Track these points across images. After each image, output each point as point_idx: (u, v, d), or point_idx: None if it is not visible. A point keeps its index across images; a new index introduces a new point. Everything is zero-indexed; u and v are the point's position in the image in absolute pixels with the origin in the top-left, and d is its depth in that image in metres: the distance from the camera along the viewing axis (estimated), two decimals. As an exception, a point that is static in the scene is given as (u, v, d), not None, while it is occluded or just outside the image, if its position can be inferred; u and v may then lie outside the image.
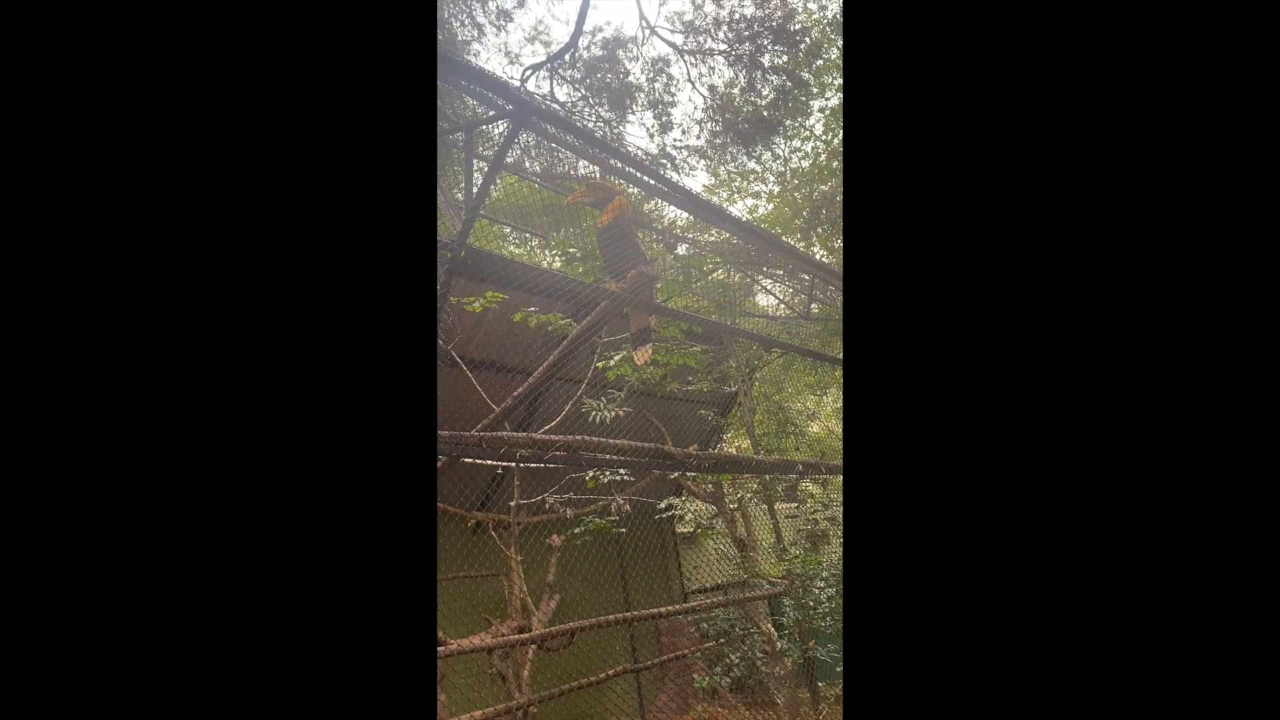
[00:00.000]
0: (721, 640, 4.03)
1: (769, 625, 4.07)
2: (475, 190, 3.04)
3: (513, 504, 3.95)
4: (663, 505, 4.06)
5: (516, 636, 3.53)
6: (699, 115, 6.15)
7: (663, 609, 3.69)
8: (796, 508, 4.69)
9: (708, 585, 5.37)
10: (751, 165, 5.71)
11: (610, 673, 3.82)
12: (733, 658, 3.89)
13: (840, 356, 4.33)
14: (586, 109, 5.95)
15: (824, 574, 3.99)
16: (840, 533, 4.29)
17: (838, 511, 4.25)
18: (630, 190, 4.10)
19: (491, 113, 2.66)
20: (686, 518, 4.05)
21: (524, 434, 3.42)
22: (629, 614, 3.70)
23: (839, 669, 3.95)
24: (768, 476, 4.10)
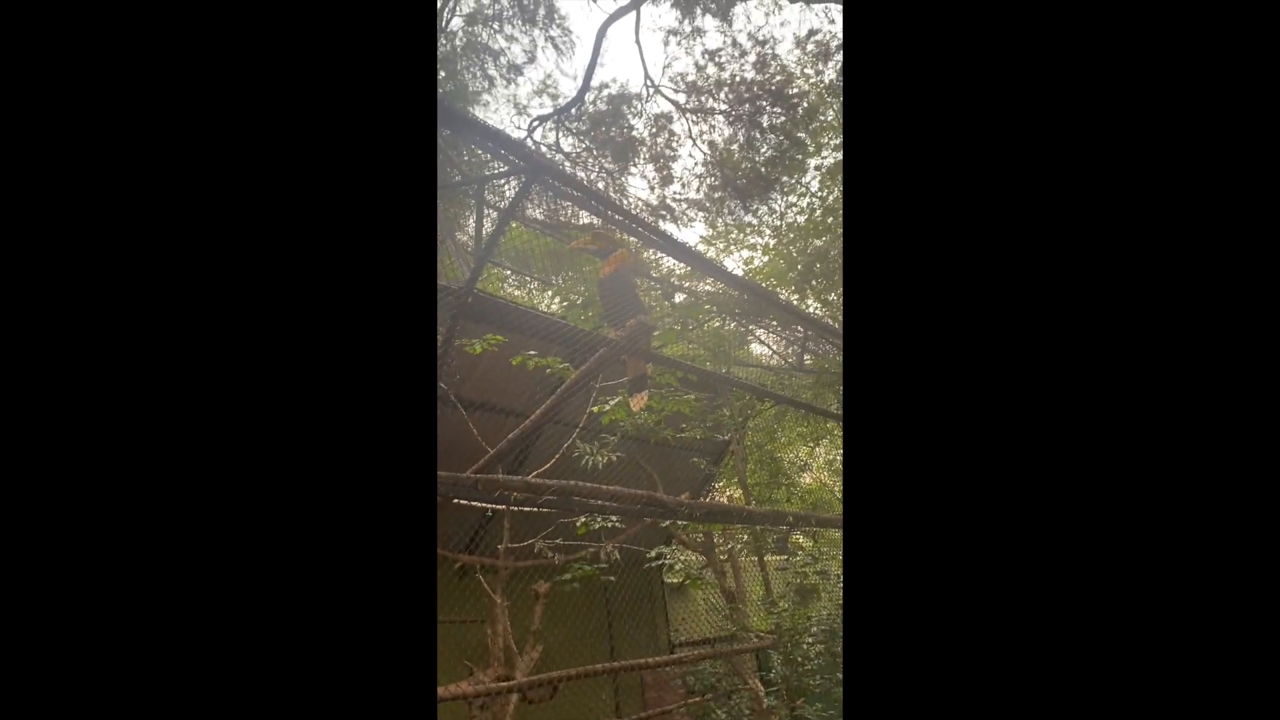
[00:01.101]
0: (709, 696, 4.03)
1: (756, 682, 4.08)
2: (485, 239, 3.23)
3: (501, 548, 3.99)
4: (653, 554, 4.12)
5: (499, 685, 3.53)
6: (699, 170, 6.55)
7: (649, 660, 3.70)
8: (787, 560, 4.74)
9: (695, 638, 5.36)
10: (749, 219, 6.05)
11: (593, 727, 3.79)
12: (719, 714, 3.89)
13: (834, 409, 4.49)
14: (590, 160, 6.30)
15: (813, 629, 4.04)
16: (829, 587, 4.35)
17: (828, 565, 4.32)
18: (630, 240, 4.34)
19: (504, 168, 2.87)
20: (676, 567, 4.12)
21: (519, 477, 3.51)
22: (614, 664, 3.71)
23: (827, 729, 3.96)
24: (759, 528, 4.18)
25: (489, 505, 4.10)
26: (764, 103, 5.82)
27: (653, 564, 4.13)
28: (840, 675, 3.84)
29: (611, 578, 3.99)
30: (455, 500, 3.98)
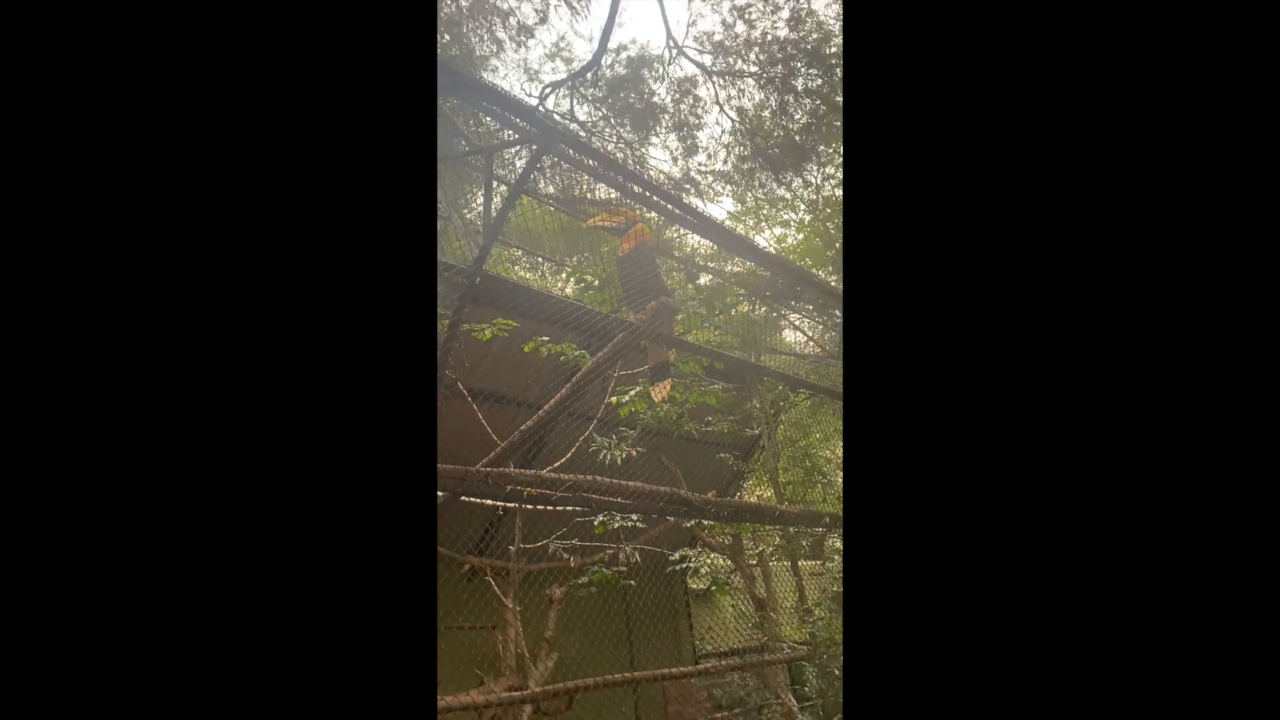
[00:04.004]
0: (736, 711, 3.96)
1: (789, 696, 4.00)
2: (494, 214, 3.15)
3: (513, 549, 3.93)
4: (675, 556, 4.04)
5: (511, 694, 3.49)
6: (726, 139, 6.40)
7: (671, 670, 3.64)
8: (822, 565, 4.65)
9: (722, 649, 5.31)
10: (781, 192, 5.88)
11: (612, 742, 3.74)
12: (748, 731, 3.82)
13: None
14: (608, 129, 6.19)
15: (851, 641, 3.92)
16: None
17: (868, 571, 4.19)
18: (651, 216, 4.19)
19: (513, 135, 2.78)
20: (702, 572, 4.04)
21: (530, 471, 3.43)
22: (635, 674, 3.66)
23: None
24: (791, 529, 4.09)
25: (499, 503, 4.07)
26: (798, 64, 5.64)
27: (675, 567, 4.06)
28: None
29: (631, 582, 3.94)
30: (463, 497, 3.96)
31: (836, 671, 3.90)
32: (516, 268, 5.11)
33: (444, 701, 3.15)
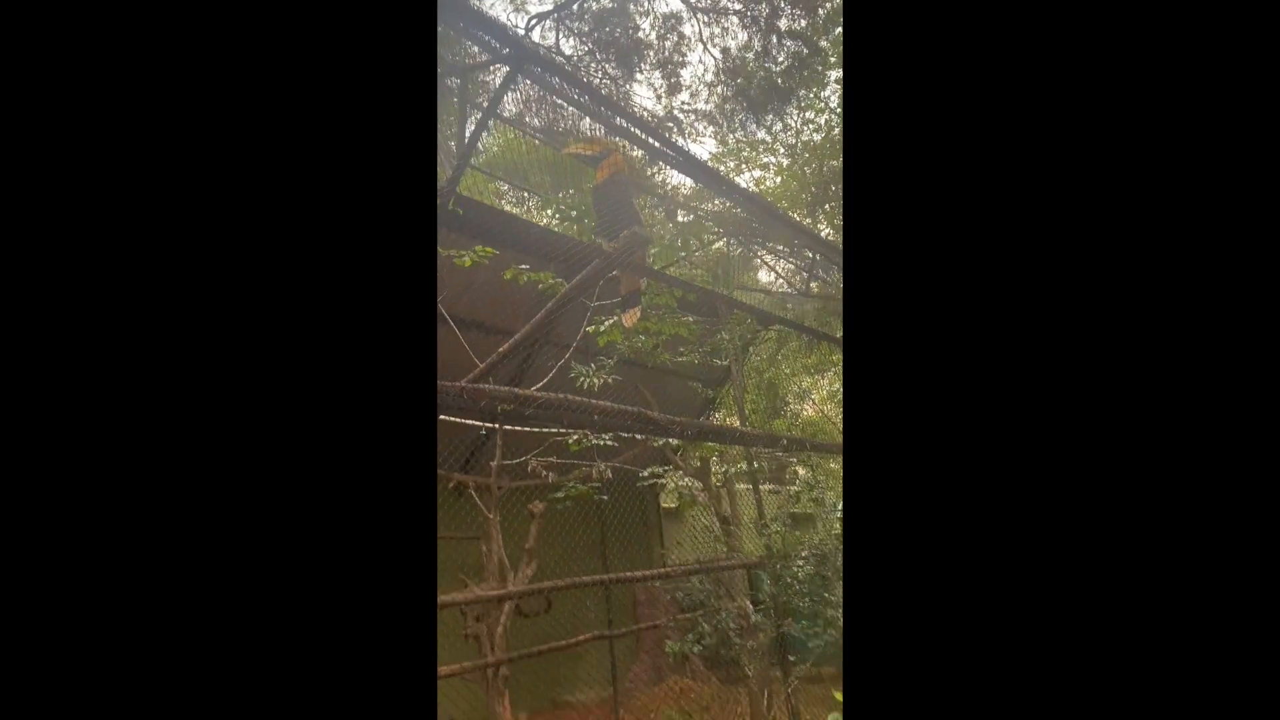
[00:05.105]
0: (698, 612, 4.19)
1: (744, 600, 4.22)
2: (468, 138, 3.10)
3: (494, 464, 4.05)
4: (645, 473, 4.18)
5: (493, 593, 3.66)
6: (709, 78, 6.21)
7: (638, 573, 3.82)
8: (780, 486, 4.80)
9: (689, 561, 5.55)
10: (761, 135, 5.76)
11: (584, 637, 3.94)
12: (705, 626, 4.05)
13: (839, 337, 4.43)
14: (593, 64, 5.99)
15: (804, 553, 4.15)
16: (824, 515, 4.44)
17: (822, 494, 4.38)
18: (635, 153, 4.16)
19: (487, 57, 2.69)
20: (669, 488, 4.19)
21: (505, 388, 3.50)
22: (605, 576, 3.84)
23: (811, 644, 4.12)
24: (754, 454, 4.22)
25: (482, 423, 4.16)
26: (783, 4, 5.43)
27: (645, 483, 4.20)
28: (828, 595, 3.97)
29: (604, 497, 4.07)
30: (443, 416, 4.03)
31: (787, 579, 4.12)
32: (503, 202, 5.05)
33: (430, 599, 3.29)
